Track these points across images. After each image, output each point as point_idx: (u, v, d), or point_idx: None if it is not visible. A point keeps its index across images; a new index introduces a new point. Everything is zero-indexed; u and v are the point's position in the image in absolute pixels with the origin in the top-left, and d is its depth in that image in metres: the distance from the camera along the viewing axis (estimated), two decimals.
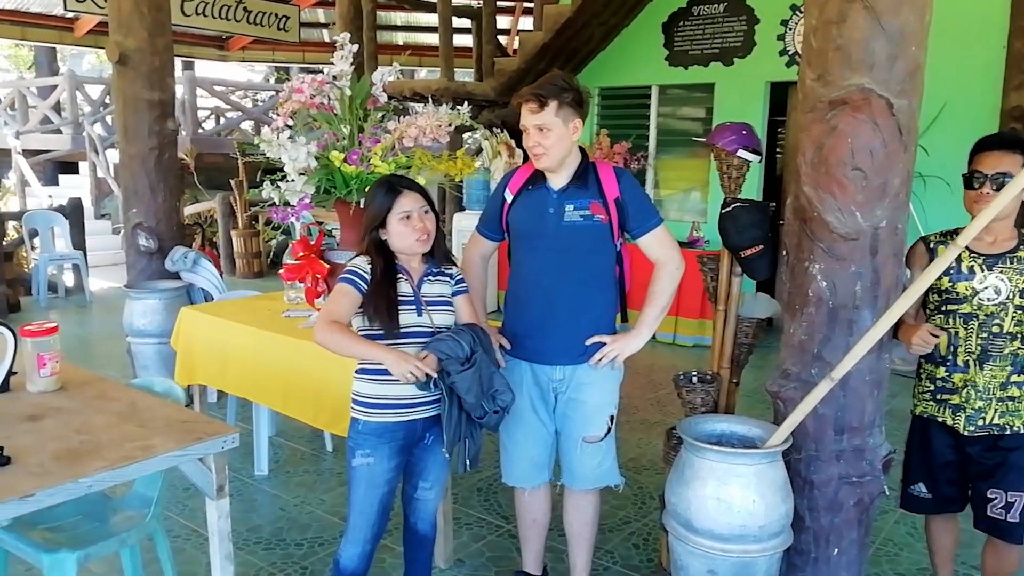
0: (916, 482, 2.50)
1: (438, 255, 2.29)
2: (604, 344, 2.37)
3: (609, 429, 2.47)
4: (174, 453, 1.97)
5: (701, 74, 6.87)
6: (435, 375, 2.11)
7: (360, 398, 2.22)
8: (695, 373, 2.70)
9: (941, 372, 2.40)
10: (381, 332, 2.15)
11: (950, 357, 2.35)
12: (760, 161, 2.66)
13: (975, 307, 2.29)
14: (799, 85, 2.31)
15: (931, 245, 2.41)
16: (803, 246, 2.29)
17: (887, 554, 3.11)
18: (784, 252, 2.41)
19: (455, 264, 2.37)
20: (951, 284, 2.32)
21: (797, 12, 6.21)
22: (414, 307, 2.20)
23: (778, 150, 7.34)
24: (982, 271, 2.28)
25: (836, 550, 2.34)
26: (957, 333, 2.33)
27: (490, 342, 2.29)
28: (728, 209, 2.57)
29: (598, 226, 2.35)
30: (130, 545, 2.35)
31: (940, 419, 2.39)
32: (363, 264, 2.18)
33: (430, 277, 2.27)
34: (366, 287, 2.15)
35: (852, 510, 2.32)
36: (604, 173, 2.39)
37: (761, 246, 2.52)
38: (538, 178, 2.41)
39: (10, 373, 2.38)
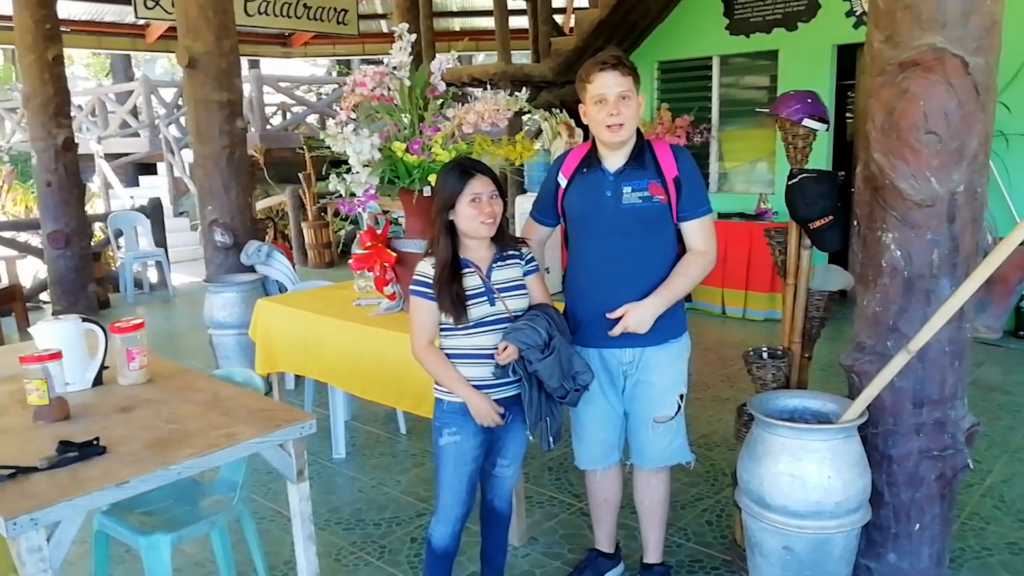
0: None
1: (504, 240, 2.29)
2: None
3: (679, 408, 2.45)
4: (255, 440, 2.06)
5: (764, 41, 6.67)
6: (501, 412, 2.23)
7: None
8: (765, 348, 2.66)
9: None
10: (453, 325, 2.20)
11: None
12: (827, 129, 2.57)
13: None
14: (866, 47, 2.23)
15: None
16: (875, 215, 2.22)
17: (973, 528, 3.01)
18: (855, 222, 2.34)
19: (524, 243, 2.37)
20: None
21: None
22: (485, 298, 2.22)
23: (848, 115, 7.09)
24: None
25: (918, 525, 2.28)
26: None
27: (564, 321, 2.30)
28: (795, 180, 2.51)
29: (658, 207, 2.30)
30: (219, 527, 2.47)
31: None
32: (426, 269, 2.21)
33: (499, 263, 2.27)
34: (433, 291, 2.20)
35: (934, 484, 2.25)
36: (661, 151, 2.34)
37: (831, 217, 2.44)
38: (592, 160, 2.36)
39: (102, 368, 2.52)
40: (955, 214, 2.13)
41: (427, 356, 2.24)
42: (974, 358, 2.36)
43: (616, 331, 2.29)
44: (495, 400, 2.27)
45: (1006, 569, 2.75)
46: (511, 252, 2.31)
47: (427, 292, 2.20)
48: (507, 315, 2.24)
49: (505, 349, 2.18)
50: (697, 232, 2.35)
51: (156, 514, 2.43)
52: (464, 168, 2.22)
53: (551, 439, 2.31)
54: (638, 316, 2.27)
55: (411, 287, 2.23)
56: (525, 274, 2.32)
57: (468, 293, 2.19)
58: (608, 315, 2.30)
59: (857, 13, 6.07)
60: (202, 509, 2.48)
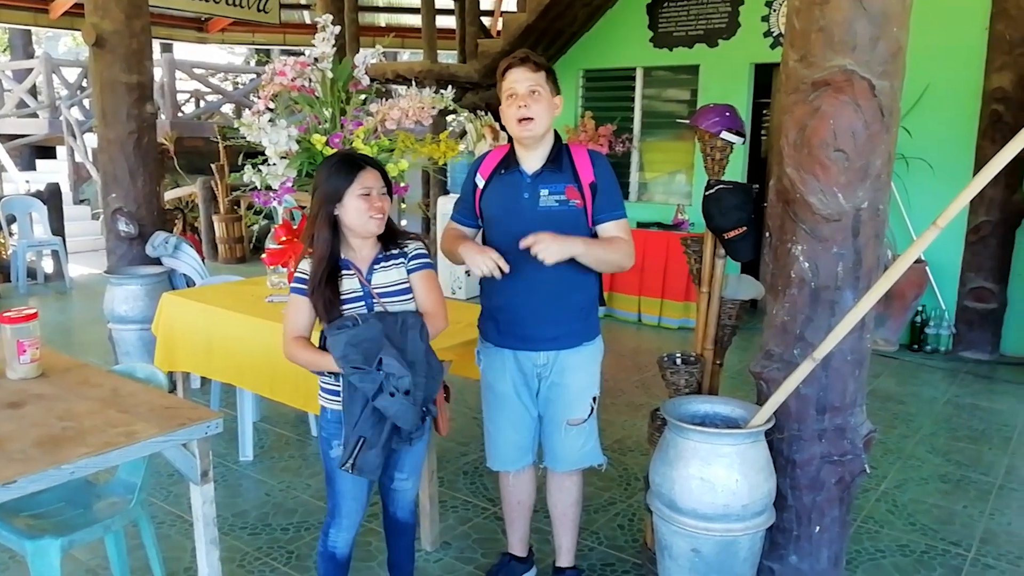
0: None
1: (390, 239, 2.18)
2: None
3: (592, 410, 2.48)
4: (157, 439, 1.96)
5: (686, 56, 6.86)
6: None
7: (325, 385, 2.18)
8: (679, 355, 2.72)
9: None
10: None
11: None
12: (744, 143, 2.66)
13: None
14: (782, 66, 2.31)
15: None
16: (786, 228, 2.31)
17: (868, 531, 3.16)
18: (767, 234, 2.42)
19: (413, 238, 2.23)
20: None
21: None
22: (363, 302, 2.11)
23: (763, 132, 7.37)
24: None
25: (818, 528, 2.37)
26: None
27: (418, 330, 2.07)
28: (711, 191, 2.58)
29: (574, 211, 2.30)
30: (115, 531, 2.35)
31: None
32: (308, 267, 2.11)
33: (380, 265, 2.15)
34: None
35: (834, 488, 2.34)
36: (579, 156, 2.35)
37: (744, 228, 2.52)
38: (511, 162, 2.37)
39: None
40: (859, 229, 2.22)
41: (295, 348, 2.10)
42: (872, 369, 2.47)
43: (524, 243, 2.16)
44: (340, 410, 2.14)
45: (897, 570, 2.89)
46: (393, 252, 2.18)
47: (305, 289, 2.09)
48: None
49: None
50: (614, 231, 2.34)
51: (45, 517, 2.29)
52: (354, 160, 2.12)
53: (351, 462, 2.05)
54: (549, 243, 2.15)
55: (292, 284, 2.13)
56: (409, 272, 2.17)
57: (345, 296, 2.09)
58: (521, 242, 2.18)
59: (774, 34, 6.32)
60: (96, 512, 2.35)
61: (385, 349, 1.98)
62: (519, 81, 2.25)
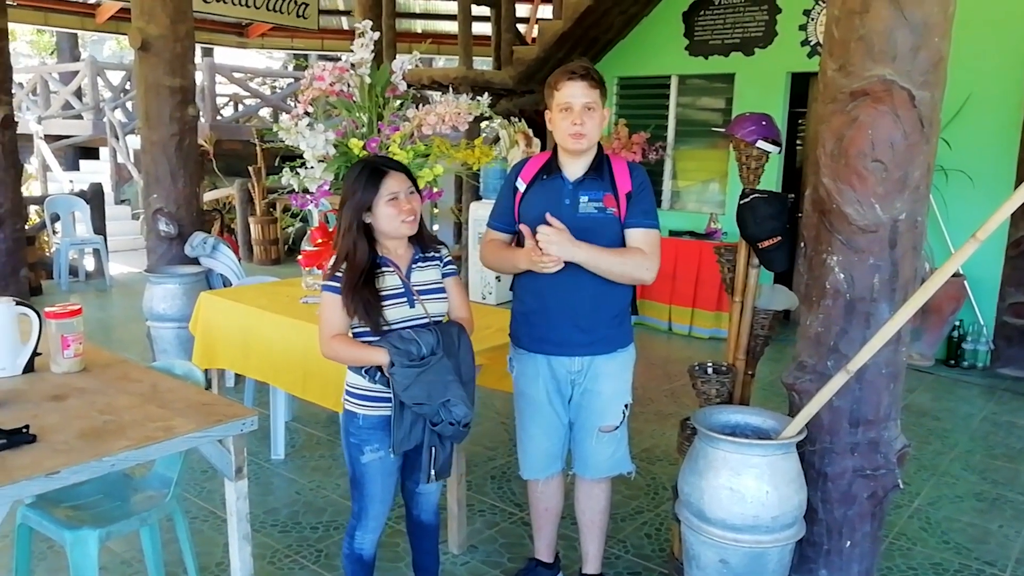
0: None
1: (425, 239, 2.22)
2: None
3: (624, 417, 2.47)
4: (194, 434, 2.00)
5: (721, 64, 6.82)
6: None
7: (357, 391, 2.17)
8: (710, 364, 2.70)
9: None
10: (368, 330, 2.10)
11: None
12: (779, 152, 2.64)
13: None
14: (820, 76, 2.30)
15: None
16: (821, 238, 2.29)
17: (900, 548, 3.10)
18: (802, 244, 2.40)
19: (443, 245, 2.30)
20: None
21: (819, 2, 6.14)
22: (405, 299, 2.13)
23: (798, 142, 7.29)
24: None
25: (849, 542, 2.34)
26: None
27: (468, 345, 2.19)
28: (746, 200, 2.56)
29: (611, 218, 2.32)
30: (150, 524, 2.39)
31: None
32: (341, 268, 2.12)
33: (419, 264, 2.20)
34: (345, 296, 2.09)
35: (866, 503, 2.31)
36: (618, 167, 2.37)
37: (779, 237, 2.50)
38: (553, 168, 2.38)
39: (35, 354, 2.43)
40: (896, 241, 2.20)
41: (337, 345, 2.09)
42: (907, 384, 2.44)
43: (542, 228, 2.20)
44: (375, 415, 2.17)
45: None
46: (431, 254, 2.24)
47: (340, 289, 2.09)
48: (427, 318, 2.16)
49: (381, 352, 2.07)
50: (641, 241, 2.33)
51: (84, 508, 2.34)
52: (376, 167, 2.12)
53: (433, 472, 2.20)
54: (563, 241, 2.19)
55: (324, 283, 2.12)
56: (443, 276, 2.25)
57: (386, 293, 2.10)
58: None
59: (811, 43, 6.26)
60: (133, 505, 2.40)
61: (452, 388, 2.07)
62: (576, 96, 2.25)
